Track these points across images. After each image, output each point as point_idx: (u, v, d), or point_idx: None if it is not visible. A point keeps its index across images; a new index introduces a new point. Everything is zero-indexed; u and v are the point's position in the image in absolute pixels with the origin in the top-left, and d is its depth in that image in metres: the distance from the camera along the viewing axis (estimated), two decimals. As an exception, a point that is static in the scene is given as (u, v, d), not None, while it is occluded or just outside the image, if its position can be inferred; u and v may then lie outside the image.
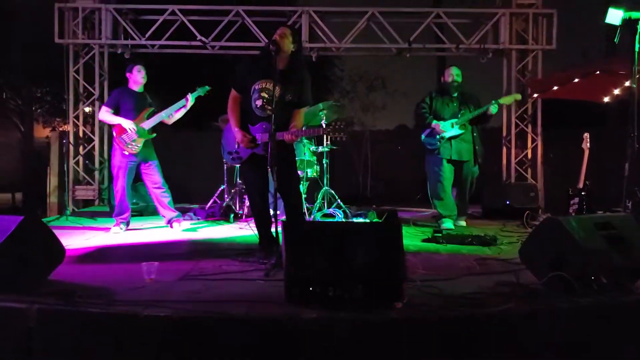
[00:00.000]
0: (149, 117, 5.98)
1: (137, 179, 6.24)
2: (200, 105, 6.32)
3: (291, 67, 4.36)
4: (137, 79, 6.00)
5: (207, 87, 6.13)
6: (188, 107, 6.03)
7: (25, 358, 2.81)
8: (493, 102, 6.16)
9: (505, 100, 6.34)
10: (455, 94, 6.37)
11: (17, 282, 3.17)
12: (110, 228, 5.95)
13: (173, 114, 6.08)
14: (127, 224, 6.06)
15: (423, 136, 6.45)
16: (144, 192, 6.92)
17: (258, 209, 4.60)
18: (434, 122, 6.26)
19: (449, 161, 6.28)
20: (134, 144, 5.87)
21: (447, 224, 6.24)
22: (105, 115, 5.98)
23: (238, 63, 4.76)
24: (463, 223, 6.50)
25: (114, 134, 5.94)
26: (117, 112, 5.96)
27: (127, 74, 6.05)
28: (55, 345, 2.83)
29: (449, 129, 6.22)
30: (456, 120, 6.21)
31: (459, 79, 6.33)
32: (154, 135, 6.05)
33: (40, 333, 2.82)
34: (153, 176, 6.07)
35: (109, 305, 2.98)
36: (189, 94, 6.00)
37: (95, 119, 8.64)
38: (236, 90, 4.50)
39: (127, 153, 5.88)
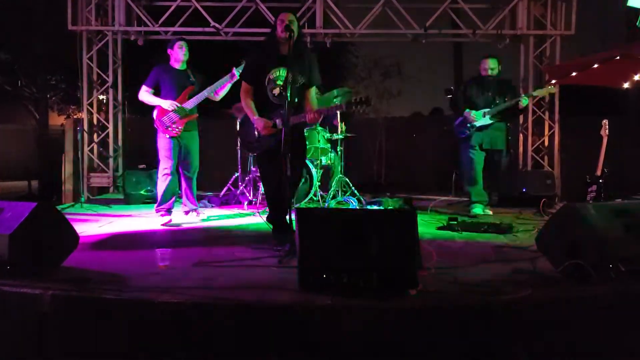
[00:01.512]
0: (191, 97, 5.64)
1: (152, 166, 6.09)
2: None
3: (298, 50, 4.44)
4: (179, 56, 5.64)
5: None
6: (234, 81, 5.63)
7: (38, 344, 2.83)
8: (524, 95, 6.05)
9: (539, 92, 6.29)
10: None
11: (31, 268, 3.18)
12: (122, 215, 5.92)
13: (218, 91, 5.72)
14: (170, 212, 5.75)
15: (455, 124, 6.49)
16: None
17: (275, 197, 4.61)
18: (467, 110, 6.27)
19: (481, 149, 6.30)
20: (174, 125, 5.55)
21: (478, 209, 6.28)
22: (145, 95, 5.65)
23: (247, 54, 4.84)
24: (489, 212, 6.42)
25: (154, 116, 5.62)
26: (157, 92, 5.65)
27: (169, 50, 5.71)
28: (68, 331, 2.85)
29: (480, 118, 6.22)
30: (488, 110, 6.20)
31: (495, 72, 6.28)
32: (196, 115, 5.75)
33: (53, 319, 2.84)
34: (189, 164, 5.76)
35: (122, 291, 2.99)
36: (234, 68, 5.58)
37: (110, 106, 8.66)
38: (248, 83, 4.58)
39: (168, 136, 5.57)
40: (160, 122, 5.57)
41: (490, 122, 6.23)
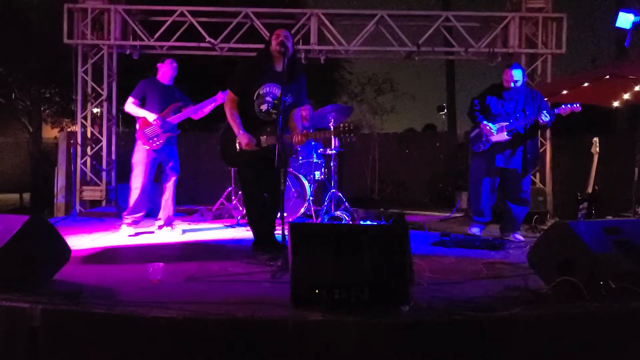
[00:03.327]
0: (175, 113, 5.77)
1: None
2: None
3: (291, 68, 4.43)
4: (169, 71, 5.80)
5: None
6: (218, 104, 5.69)
7: (29, 358, 2.80)
8: (545, 112, 5.51)
9: (563, 110, 5.50)
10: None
11: (22, 281, 3.16)
12: (118, 228, 5.90)
13: (199, 113, 5.85)
14: (137, 223, 5.87)
15: (470, 136, 6.00)
16: (152, 193, 6.78)
17: (261, 211, 4.61)
18: (483, 122, 5.68)
19: (494, 167, 5.72)
20: (156, 139, 5.67)
21: (474, 229, 5.91)
22: (131, 107, 5.72)
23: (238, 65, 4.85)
24: (520, 237, 5.75)
25: (137, 127, 5.72)
26: (142, 104, 5.73)
27: (159, 64, 5.86)
28: (59, 346, 2.83)
29: (496, 132, 5.63)
30: (507, 124, 5.61)
31: (519, 84, 5.65)
32: (179, 132, 5.88)
33: (44, 333, 2.82)
34: (168, 175, 5.89)
35: (114, 305, 2.97)
36: (221, 92, 5.54)
37: (104, 120, 8.66)
38: (236, 94, 4.54)
39: (147, 148, 5.68)
40: (143, 133, 5.67)
41: (507, 138, 5.61)
